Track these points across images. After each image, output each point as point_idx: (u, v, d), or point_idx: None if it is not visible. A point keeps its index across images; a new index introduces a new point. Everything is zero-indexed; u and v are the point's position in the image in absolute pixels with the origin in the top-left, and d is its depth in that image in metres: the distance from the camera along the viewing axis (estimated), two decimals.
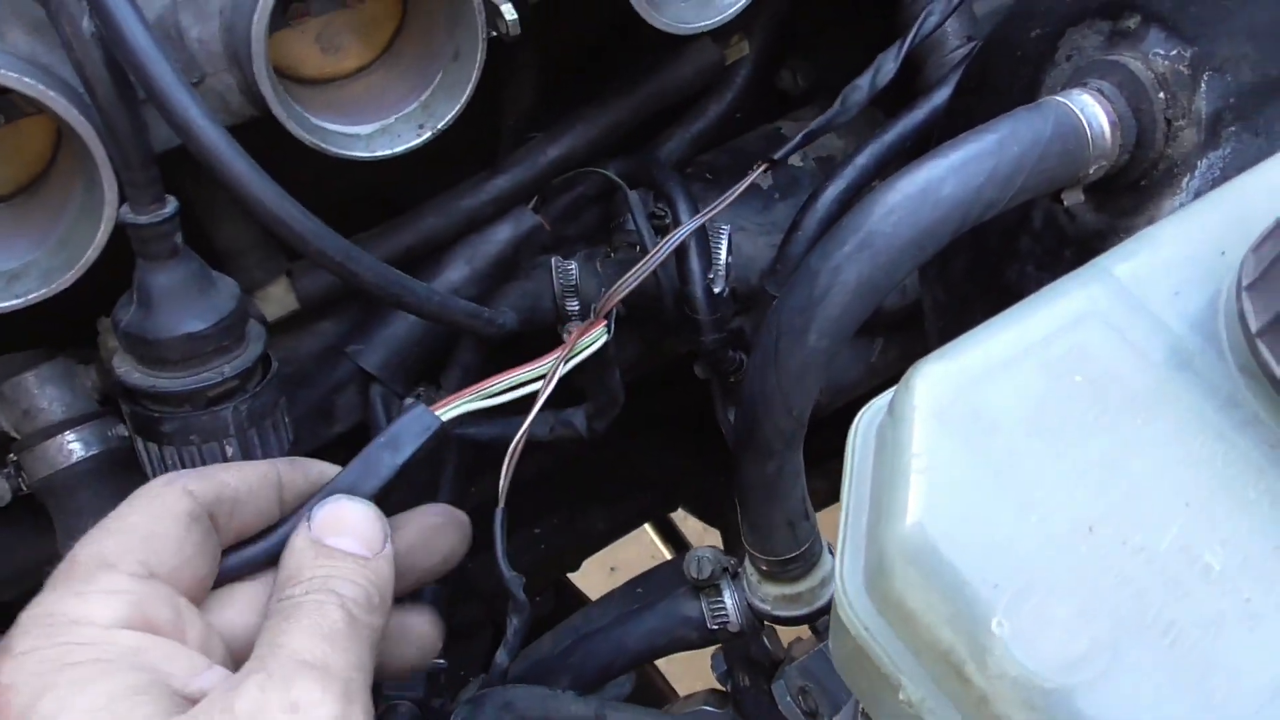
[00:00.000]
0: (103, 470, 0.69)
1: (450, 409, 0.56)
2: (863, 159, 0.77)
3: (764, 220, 0.91)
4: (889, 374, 0.94)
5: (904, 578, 0.31)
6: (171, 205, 0.55)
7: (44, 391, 0.69)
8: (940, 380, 0.33)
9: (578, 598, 1.36)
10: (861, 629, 0.32)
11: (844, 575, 0.33)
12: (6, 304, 0.54)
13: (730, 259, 0.81)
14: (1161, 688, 0.28)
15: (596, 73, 0.88)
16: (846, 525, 0.35)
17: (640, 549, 2.04)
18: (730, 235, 0.80)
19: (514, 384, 0.58)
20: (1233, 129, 0.50)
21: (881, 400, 0.37)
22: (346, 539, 0.49)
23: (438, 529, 0.57)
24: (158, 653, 0.43)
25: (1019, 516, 0.30)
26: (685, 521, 1.65)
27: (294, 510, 0.52)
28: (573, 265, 0.84)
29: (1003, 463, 0.31)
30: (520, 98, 0.82)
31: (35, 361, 0.70)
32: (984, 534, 0.30)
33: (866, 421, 0.37)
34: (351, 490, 0.52)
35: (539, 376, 0.58)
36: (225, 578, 0.50)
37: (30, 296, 0.55)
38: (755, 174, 0.69)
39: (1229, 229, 0.37)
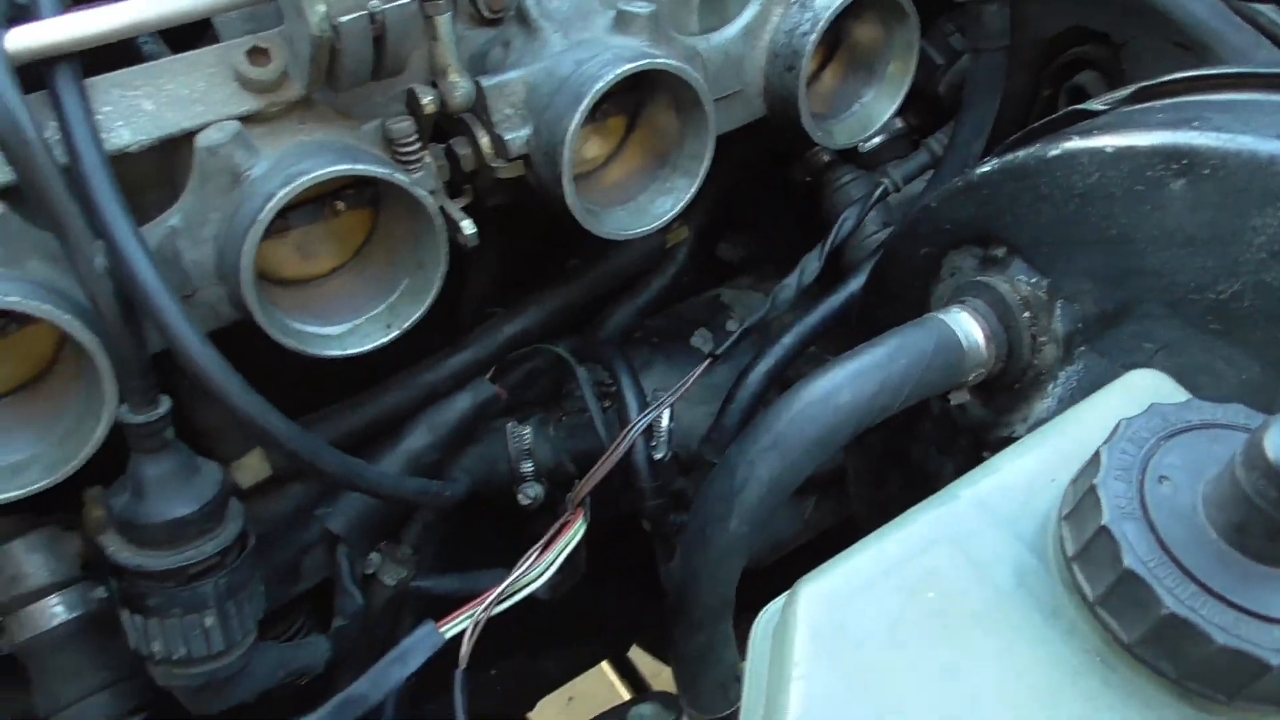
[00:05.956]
0: (84, 632, 0.73)
1: (453, 626, 0.65)
2: (789, 339, 0.86)
3: (706, 384, 0.99)
4: (822, 526, 1.01)
5: None
6: (165, 405, 0.62)
7: (30, 558, 0.74)
8: (819, 597, 0.40)
9: None
10: None
11: None
12: (12, 494, 0.60)
13: (672, 426, 0.88)
14: None
15: (553, 249, 0.97)
16: (745, 713, 0.41)
17: (598, 678, 2.06)
18: (673, 405, 0.88)
19: (510, 592, 0.67)
20: (1083, 348, 0.59)
21: (776, 604, 0.44)
22: None
23: None
24: None
25: (878, 718, 0.37)
26: (641, 655, 1.68)
27: None
28: (527, 430, 0.91)
29: (865, 672, 0.38)
30: (480, 279, 0.91)
31: (21, 528, 0.75)
32: None
33: (764, 624, 0.44)
34: (364, 698, 0.59)
35: (530, 582, 0.66)
36: None
37: (33, 487, 0.61)
38: (700, 370, 0.77)
39: (1059, 459, 0.45)
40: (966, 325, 0.60)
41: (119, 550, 0.64)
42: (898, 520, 0.43)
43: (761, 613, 0.44)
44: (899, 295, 0.71)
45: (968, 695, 0.38)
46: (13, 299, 0.55)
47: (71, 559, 0.75)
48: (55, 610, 0.73)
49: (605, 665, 1.76)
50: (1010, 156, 0.61)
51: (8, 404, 0.65)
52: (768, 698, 0.40)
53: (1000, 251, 0.62)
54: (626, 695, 1.80)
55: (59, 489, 0.76)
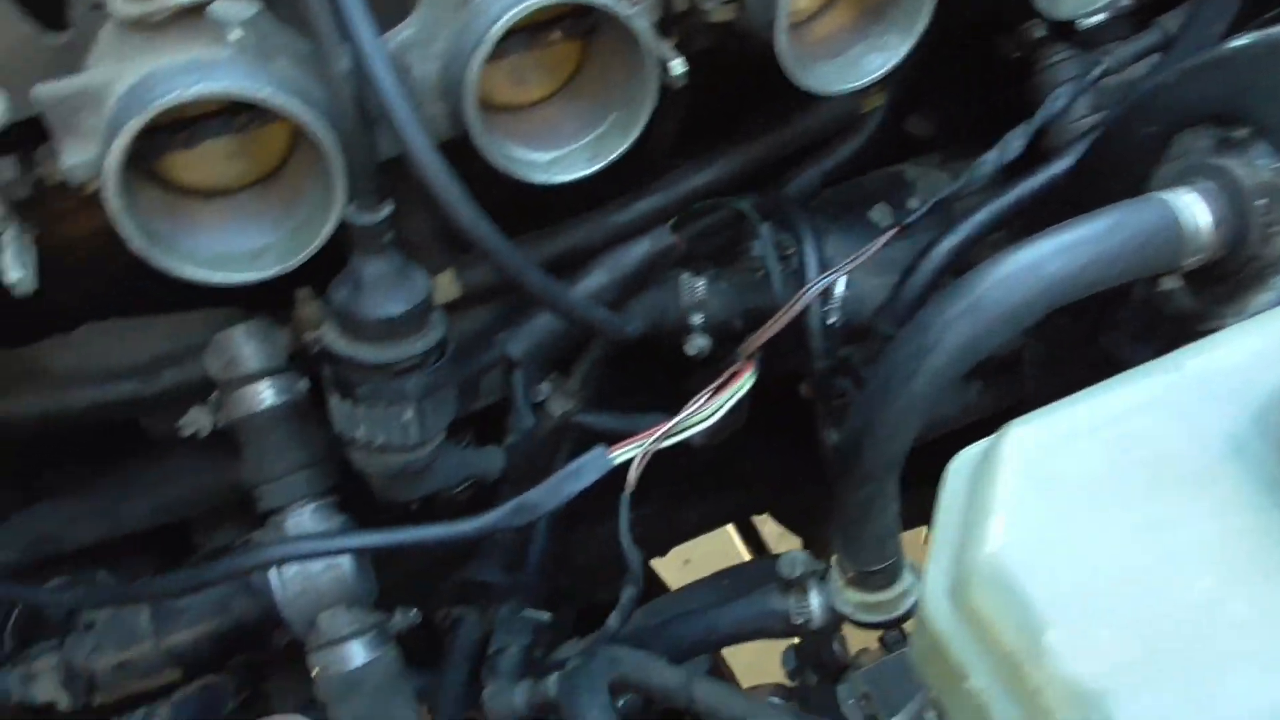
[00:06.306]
0: (287, 416, 0.81)
1: (623, 453, 0.69)
2: (980, 216, 0.84)
3: (881, 258, 0.98)
4: (982, 414, 1.00)
5: (981, 592, 0.39)
6: (388, 208, 0.66)
7: (246, 344, 0.81)
8: (1028, 440, 0.41)
9: (657, 583, 1.45)
10: (941, 628, 0.40)
11: (930, 583, 0.42)
12: (251, 276, 0.66)
13: (847, 292, 0.89)
14: (1180, 704, 0.35)
15: (742, 105, 0.96)
16: (937, 544, 0.43)
17: (715, 545, 2.13)
18: (849, 272, 0.88)
19: (677, 430, 0.70)
20: None
21: (977, 447, 0.45)
22: None
23: None
24: None
25: (1077, 557, 0.38)
26: (764, 524, 1.73)
27: None
28: (700, 282, 0.93)
29: (1070, 514, 0.39)
30: (669, 126, 0.91)
31: (237, 319, 0.82)
32: (1048, 567, 0.38)
33: (962, 462, 0.45)
34: (536, 505, 0.67)
35: (696, 424, 0.69)
36: None
37: (268, 272, 0.66)
38: (885, 239, 0.76)
39: None
40: (1193, 208, 0.58)
41: (335, 340, 0.70)
42: (1114, 379, 0.43)
43: (956, 457, 0.45)
44: (1113, 177, 0.68)
45: (1170, 550, 0.39)
46: (266, 92, 0.59)
47: (281, 350, 0.83)
48: (265, 394, 0.81)
49: (730, 531, 1.82)
50: (1270, 30, 0.57)
51: (246, 197, 0.70)
52: (963, 531, 0.41)
53: (1242, 133, 0.58)
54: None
55: (271, 287, 0.83)
